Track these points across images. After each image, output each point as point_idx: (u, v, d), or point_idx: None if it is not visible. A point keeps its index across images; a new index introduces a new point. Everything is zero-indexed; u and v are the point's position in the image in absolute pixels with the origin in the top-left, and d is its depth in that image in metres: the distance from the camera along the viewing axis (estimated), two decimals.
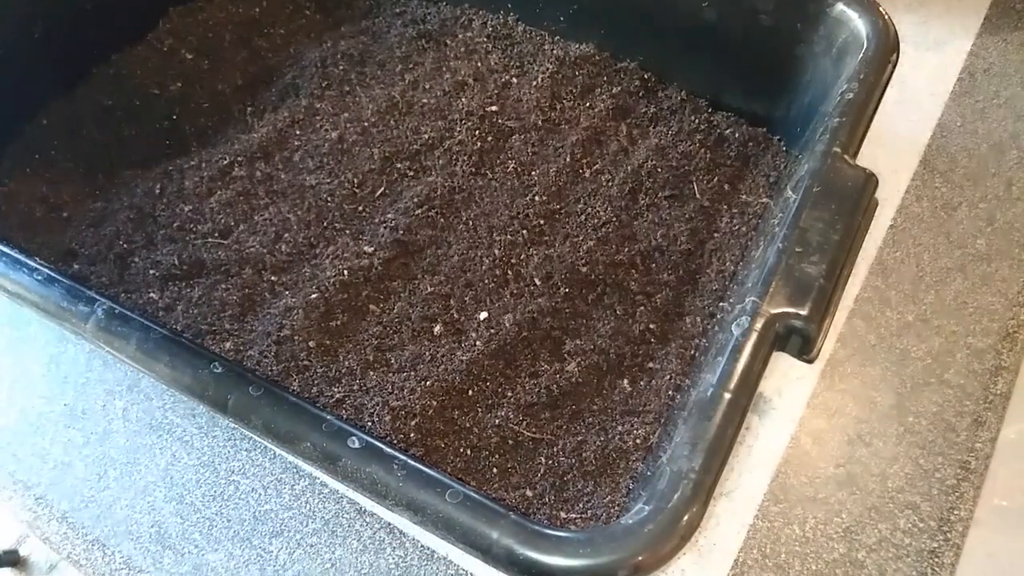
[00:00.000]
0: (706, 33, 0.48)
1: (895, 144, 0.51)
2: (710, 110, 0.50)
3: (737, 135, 0.48)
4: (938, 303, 0.45)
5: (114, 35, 0.54)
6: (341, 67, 0.53)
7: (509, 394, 0.40)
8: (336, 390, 0.40)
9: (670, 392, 0.39)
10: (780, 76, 0.47)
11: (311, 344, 0.41)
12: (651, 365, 0.41)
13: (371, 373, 0.41)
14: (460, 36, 0.54)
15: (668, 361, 0.41)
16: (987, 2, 0.59)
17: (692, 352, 0.40)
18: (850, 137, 0.38)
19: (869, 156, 0.50)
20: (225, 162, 0.49)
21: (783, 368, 0.44)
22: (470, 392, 0.40)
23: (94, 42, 0.53)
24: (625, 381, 0.41)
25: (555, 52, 0.52)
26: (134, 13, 0.55)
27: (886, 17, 0.42)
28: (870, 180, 0.36)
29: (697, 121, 0.49)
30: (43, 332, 0.48)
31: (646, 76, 0.51)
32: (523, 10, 0.53)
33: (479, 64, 0.52)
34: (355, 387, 0.40)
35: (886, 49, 0.41)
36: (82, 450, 0.44)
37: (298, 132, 0.50)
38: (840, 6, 0.43)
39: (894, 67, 0.40)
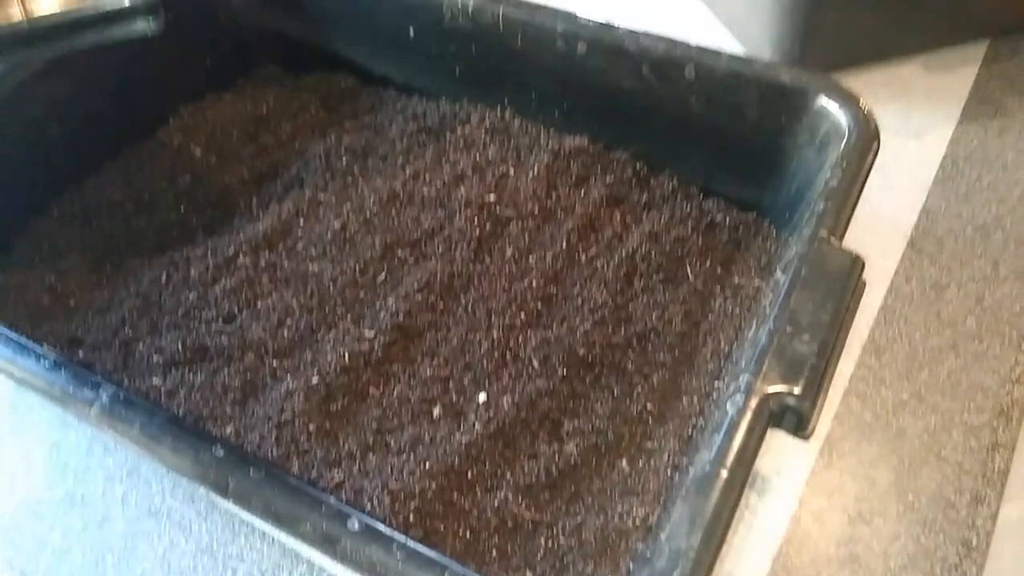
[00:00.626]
0: (695, 125, 0.50)
1: (883, 228, 0.53)
2: (701, 197, 0.51)
3: (728, 220, 0.50)
4: (932, 381, 0.45)
5: (126, 131, 0.56)
6: (344, 160, 0.55)
7: (508, 476, 0.40)
8: (336, 473, 0.40)
9: (669, 472, 0.39)
10: (767, 165, 0.48)
11: (311, 427, 0.42)
12: (649, 445, 0.41)
13: (371, 456, 0.41)
14: (459, 130, 0.56)
15: (666, 441, 0.41)
16: (965, 92, 0.62)
17: (690, 431, 0.41)
18: (835, 221, 0.39)
19: (857, 239, 0.52)
20: (230, 251, 0.50)
21: (781, 447, 0.44)
22: (469, 474, 0.40)
23: (106, 138, 0.55)
24: (624, 461, 0.41)
25: (550, 144, 0.54)
26: (146, 110, 0.57)
27: (865, 109, 0.44)
28: (856, 262, 0.37)
29: (689, 207, 0.50)
30: (45, 418, 0.48)
31: (638, 166, 0.53)
32: (519, 105, 0.56)
33: (477, 156, 0.54)
34: (355, 470, 0.40)
35: (866, 138, 0.42)
36: (80, 536, 0.44)
37: (302, 222, 0.52)
38: (821, 99, 0.45)
39: (875, 155, 0.42)
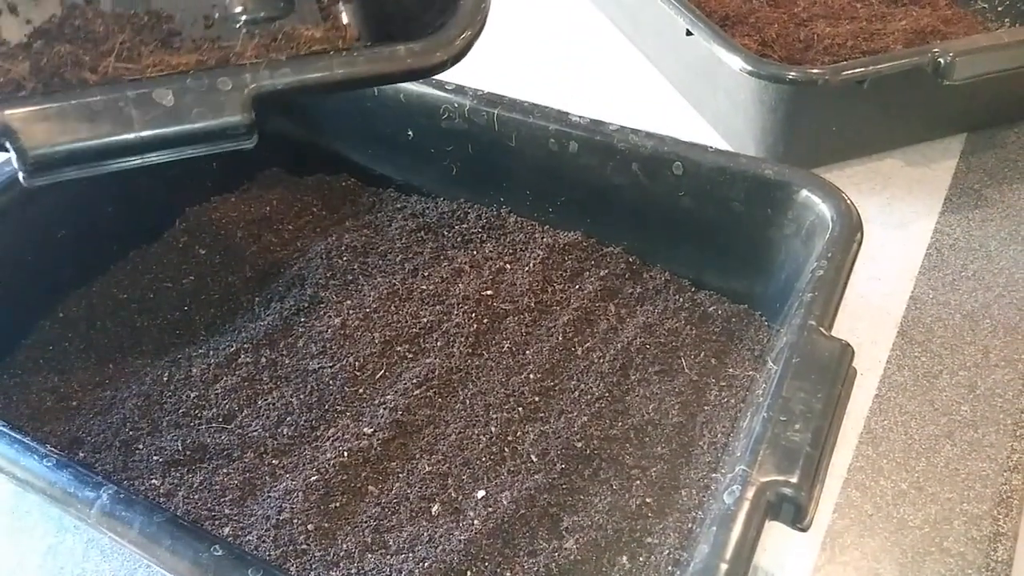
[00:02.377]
0: (684, 219, 0.52)
1: (872, 317, 0.54)
2: (693, 289, 0.52)
3: (720, 312, 0.51)
4: (930, 470, 0.45)
5: (133, 235, 0.58)
6: (345, 258, 0.56)
7: (508, 574, 0.40)
8: (334, 574, 0.40)
9: (669, 567, 0.39)
10: (756, 256, 0.50)
11: (310, 527, 0.42)
12: (649, 540, 0.41)
13: (369, 556, 0.41)
14: (456, 227, 0.58)
15: (666, 535, 0.41)
16: (946, 184, 0.64)
17: (689, 525, 0.41)
18: (823, 310, 0.40)
19: (848, 328, 0.53)
20: (232, 349, 0.51)
21: (782, 541, 0.43)
22: (468, 573, 0.40)
23: (113, 241, 0.57)
24: (624, 558, 0.40)
25: (545, 240, 0.55)
26: (153, 214, 0.59)
27: (848, 201, 0.46)
28: (846, 350, 0.38)
29: (681, 300, 0.52)
30: (42, 522, 0.48)
31: (631, 259, 0.54)
32: (514, 203, 0.58)
33: (475, 252, 0.56)
34: (353, 570, 0.40)
35: (850, 229, 0.44)
36: None
37: (303, 319, 0.53)
38: (805, 192, 0.47)
39: (859, 245, 0.43)
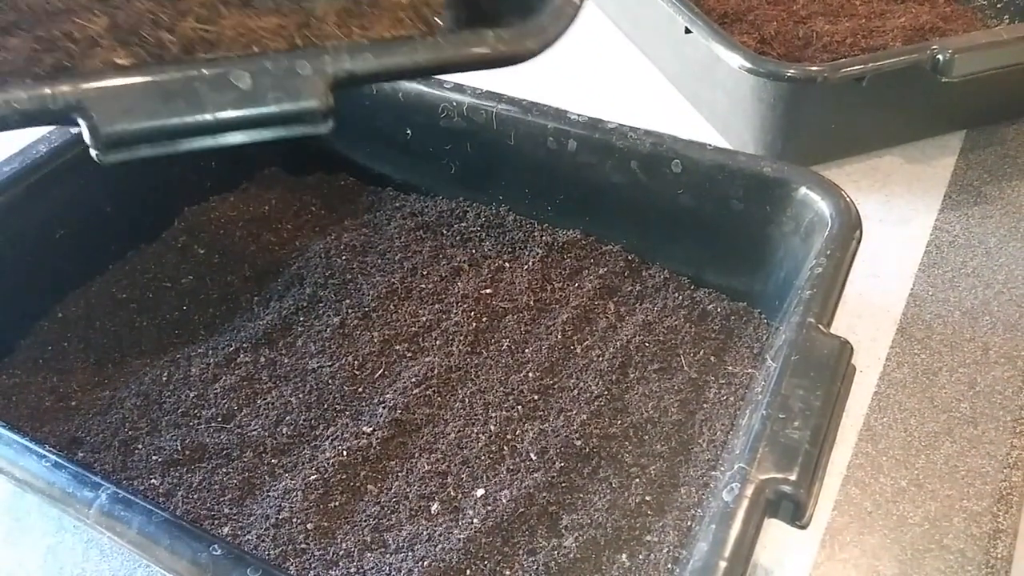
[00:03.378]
0: (683, 217, 0.52)
1: (872, 314, 0.54)
2: (692, 287, 0.52)
3: (719, 310, 0.51)
4: (930, 467, 0.45)
5: (132, 234, 0.58)
6: (344, 257, 0.56)
7: (507, 572, 0.40)
8: (333, 573, 0.40)
9: (669, 565, 0.39)
10: (755, 254, 0.50)
11: (309, 526, 0.42)
12: (649, 538, 0.41)
13: (368, 555, 0.41)
14: (455, 226, 0.58)
15: (665, 533, 0.41)
16: (945, 181, 0.64)
17: (688, 523, 0.41)
18: (822, 308, 0.40)
19: (847, 326, 0.53)
20: (231, 349, 0.51)
21: (782, 538, 0.43)
22: (468, 572, 0.40)
23: (112, 241, 0.57)
24: (624, 556, 0.40)
25: (544, 238, 0.55)
26: (152, 213, 0.59)
27: (847, 198, 0.46)
28: (845, 347, 0.38)
29: (680, 298, 0.51)
30: (41, 522, 0.48)
31: (630, 257, 0.54)
32: (513, 202, 0.58)
33: (474, 251, 0.56)
34: (352, 569, 0.40)
35: (849, 227, 0.44)
36: None
37: (302, 319, 0.53)
38: (804, 190, 0.47)
39: (858, 243, 0.43)
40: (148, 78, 0.34)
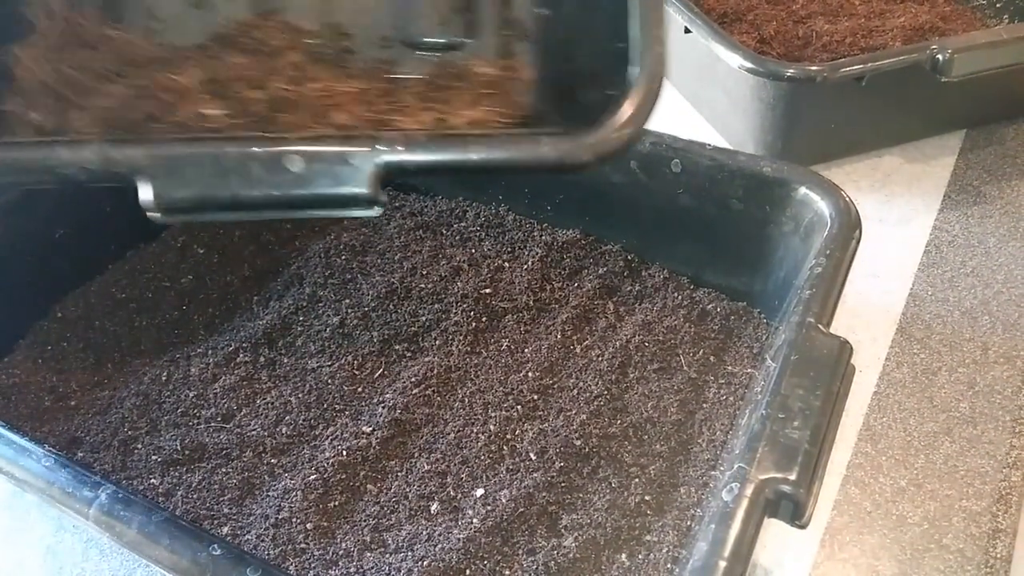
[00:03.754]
0: (683, 217, 0.52)
1: (871, 314, 0.54)
2: (692, 287, 0.52)
3: (719, 309, 0.51)
4: (929, 467, 0.45)
5: (131, 234, 0.58)
6: (343, 257, 0.56)
7: (507, 572, 0.40)
8: (333, 572, 0.40)
9: (668, 565, 0.39)
10: (754, 254, 0.50)
11: (309, 526, 0.42)
12: (648, 538, 0.41)
13: (368, 554, 0.41)
14: (455, 226, 0.58)
15: (665, 533, 0.41)
16: (945, 181, 0.64)
17: (688, 523, 0.41)
18: (822, 307, 0.40)
19: (847, 326, 0.53)
20: (230, 349, 0.51)
21: (781, 538, 0.43)
22: (467, 572, 0.40)
23: (112, 241, 0.57)
24: (623, 555, 0.40)
25: (543, 238, 0.55)
26: None
27: (847, 198, 0.45)
28: (844, 347, 0.38)
29: (680, 297, 0.51)
30: (41, 522, 0.48)
31: (630, 257, 0.54)
32: (513, 201, 0.58)
33: (473, 251, 0.56)
34: (352, 569, 0.40)
35: (849, 227, 0.44)
36: None
37: (301, 319, 0.53)
38: (803, 189, 0.47)
39: (858, 242, 0.43)
40: (209, 150, 0.36)
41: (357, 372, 0.49)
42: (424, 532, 0.41)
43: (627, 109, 0.38)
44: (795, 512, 0.33)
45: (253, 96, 0.40)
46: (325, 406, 0.47)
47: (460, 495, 0.43)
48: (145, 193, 0.35)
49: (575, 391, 0.47)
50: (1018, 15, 0.72)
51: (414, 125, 0.40)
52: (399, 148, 0.36)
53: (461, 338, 0.50)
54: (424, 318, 0.51)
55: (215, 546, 0.33)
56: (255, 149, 0.36)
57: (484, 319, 0.51)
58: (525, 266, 0.54)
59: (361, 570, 0.40)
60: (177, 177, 0.36)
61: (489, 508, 0.42)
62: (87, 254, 0.55)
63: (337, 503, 0.43)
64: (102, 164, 0.35)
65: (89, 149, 0.36)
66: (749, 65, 0.59)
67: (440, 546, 0.40)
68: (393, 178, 0.37)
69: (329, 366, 0.49)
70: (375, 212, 0.37)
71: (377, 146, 0.36)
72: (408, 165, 0.37)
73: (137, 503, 0.35)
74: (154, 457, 0.45)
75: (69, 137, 0.37)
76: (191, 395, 0.48)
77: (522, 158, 0.37)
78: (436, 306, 0.52)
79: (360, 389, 0.48)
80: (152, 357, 0.51)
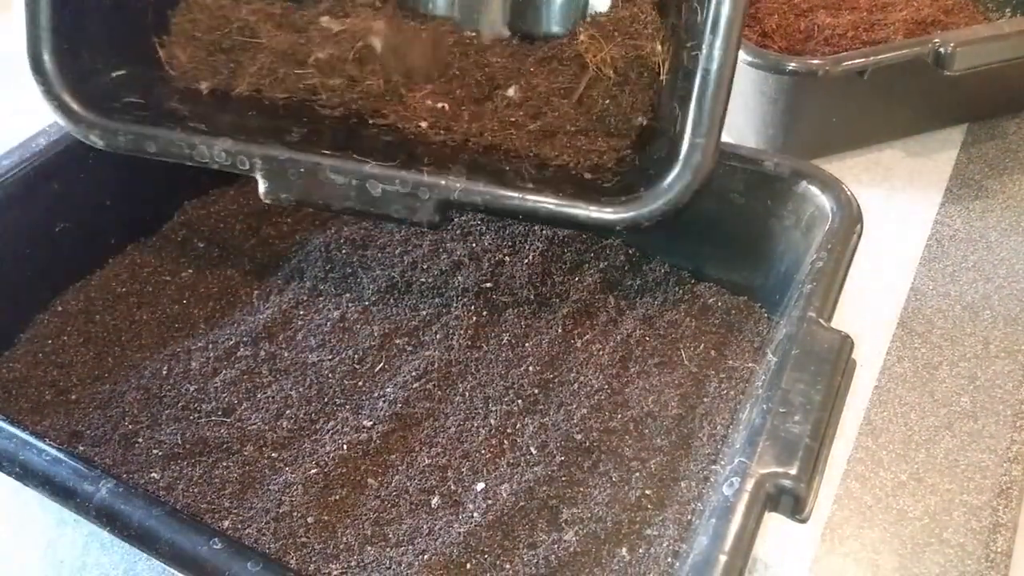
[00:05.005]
0: (684, 211, 0.51)
1: (873, 308, 0.54)
2: (693, 281, 0.52)
3: (720, 304, 0.51)
4: (930, 461, 0.45)
5: (131, 228, 0.57)
6: (344, 251, 0.56)
7: (508, 566, 0.40)
8: (334, 566, 0.40)
9: (669, 559, 0.39)
10: (756, 248, 0.50)
11: (309, 520, 0.42)
12: (649, 532, 0.41)
13: (369, 548, 0.41)
14: (456, 220, 0.58)
15: (666, 527, 0.41)
16: (946, 175, 0.64)
17: (689, 517, 0.41)
18: (823, 302, 0.40)
19: (848, 320, 0.52)
20: (231, 343, 0.51)
21: (782, 532, 0.43)
22: (468, 565, 0.40)
23: (112, 235, 0.57)
24: (624, 549, 0.40)
25: (544, 232, 0.55)
26: (151, 207, 0.59)
27: (848, 192, 0.45)
28: (845, 341, 0.38)
29: (681, 292, 0.51)
30: (42, 516, 0.48)
31: (630, 251, 0.54)
32: None
33: (474, 245, 0.56)
34: (353, 563, 0.40)
35: (850, 221, 0.44)
36: None
37: (302, 313, 0.53)
38: (804, 184, 0.47)
39: (859, 237, 0.43)
40: (311, 160, 0.46)
41: (358, 366, 0.49)
42: (425, 526, 0.41)
43: (664, 189, 0.44)
44: (796, 506, 0.33)
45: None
46: (326, 400, 0.47)
47: (461, 489, 0.43)
48: (261, 186, 0.47)
49: (576, 385, 0.47)
50: (1020, 9, 0.72)
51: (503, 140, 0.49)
52: (460, 188, 0.45)
53: (462, 332, 0.50)
54: (425, 312, 0.51)
55: (216, 540, 0.33)
56: (353, 174, 0.46)
57: (485, 313, 0.51)
58: (526, 260, 0.54)
59: (362, 564, 0.40)
60: (283, 180, 0.46)
61: (490, 502, 0.42)
62: (87, 248, 0.55)
63: (338, 497, 0.43)
64: (227, 159, 0.46)
65: (220, 144, 0.47)
66: (751, 59, 0.58)
67: (441, 540, 0.40)
68: (453, 209, 0.47)
69: (330, 360, 0.49)
70: (436, 230, 0.50)
71: (441, 182, 0.45)
72: (466, 204, 0.45)
73: (138, 497, 0.35)
74: (155, 451, 0.45)
75: (208, 126, 0.48)
76: (192, 389, 0.48)
77: (565, 217, 0.45)
78: (437, 300, 0.52)
79: (361, 383, 0.48)
80: (153, 351, 0.51)
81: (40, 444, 0.38)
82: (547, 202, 0.44)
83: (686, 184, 0.43)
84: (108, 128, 0.48)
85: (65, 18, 0.48)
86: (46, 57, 0.48)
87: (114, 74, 0.51)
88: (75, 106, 0.48)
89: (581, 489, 0.43)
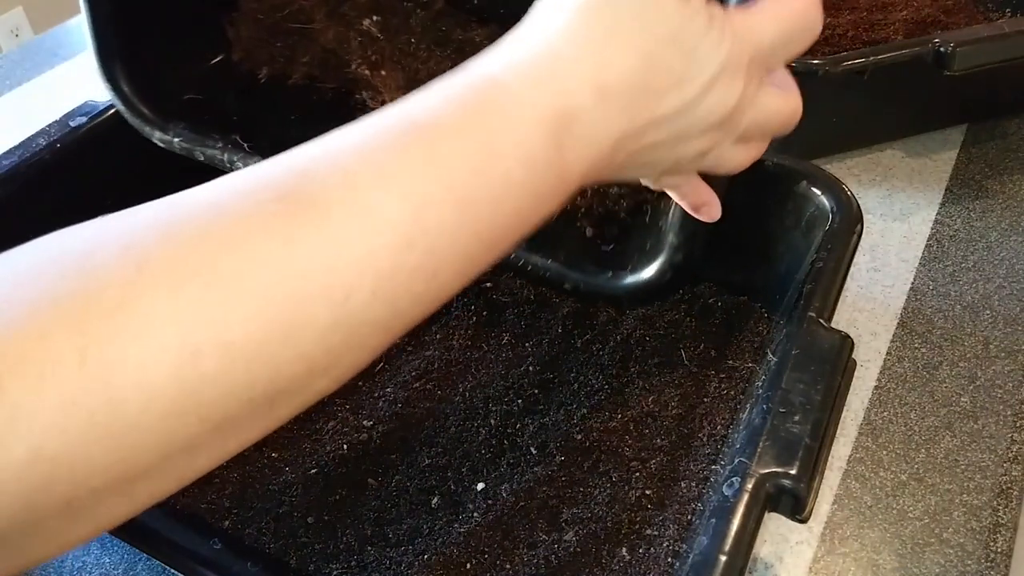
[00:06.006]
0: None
1: (873, 308, 0.54)
2: (693, 281, 0.52)
3: (720, 304, 0.51)
4: (930, 461, 0.45)
5: None
6: None
7: (508, 567, 0.40)
8: (334, 567, 0.40)
9: (669, 559, 0.39)
10: (756, 249, 0.50)
11: (309, 520, 0.42)
12: (649, 532, 0.41)
13: (369, 548, 0.41)
14: None
15: (666, 527, 0.41)
16: (947, 175, 0.64)
17: (689, 517, 0.41)
18: (823, 302, 0.40)
19: (848, 320, 0.53)
20: None
21: (782, 533, 0.43)
22: (468, 565, 0.40)
23: None
24: (624, 549, 0.40)
25: None
26: None
27: (848, 192, 0.45)
28: (846, 341, 0.38)
29: (681, 292, 0.51)
30: None
31: None
32: None
33: None
34: (353, 563, 0.40)
35: (850, 221, 0.44)
36: None
37: None
38: (804, 184, 0.47)
39: (859, 237, 0.43)
40: None
41: None
42: (425, 526, 0.41)
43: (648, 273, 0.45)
44: (796, 506, 0.33)
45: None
46: (326, 400, 0.47)
47: (461, 489, 0.43)
48: None
49: (576, 385, 0.47)
50: (1020, 9, 0.72)
51: None
52: None
53: (462, 332, 0.50)
54: None
55: (216, 540, 0.33)
56: None
57: (485, 313, 0.51)
58: None
59: (362, 564, 0.40)
60: None
61: (490, 502, 0.42)
62: None
63: (338, 497, 0.43)
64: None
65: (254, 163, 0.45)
66: None
67: (441, 540, 0.40)
68: None
69: None
70: None
71: None
72: None
73: None
74: None
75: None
76: None
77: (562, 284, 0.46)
78: None
79: (361, 383, 0.48)
80: None
81: None
82: (557, 272, 0.45)
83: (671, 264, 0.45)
84: (163, 140, 0.52)
85: (131, 29, 0.51)
86: (119, 73, 0.51)
87: (179, 68, 0.54)
88: (145, 110, 0.51)
89: (581, 489, 0.43)
